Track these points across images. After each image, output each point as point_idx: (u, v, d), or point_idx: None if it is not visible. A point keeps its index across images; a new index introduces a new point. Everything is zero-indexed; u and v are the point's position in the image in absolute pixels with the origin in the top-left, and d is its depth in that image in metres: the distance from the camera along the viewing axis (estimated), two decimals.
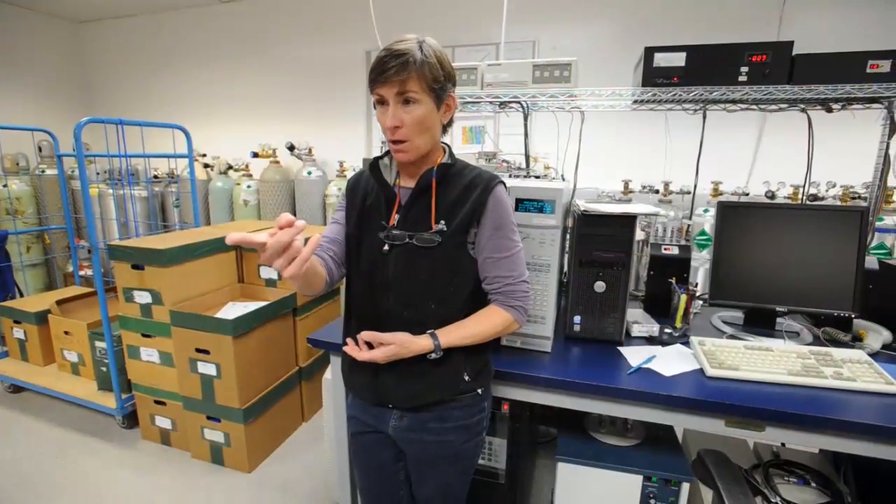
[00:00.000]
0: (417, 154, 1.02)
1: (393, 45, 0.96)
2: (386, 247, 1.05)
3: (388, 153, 1.15)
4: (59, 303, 2.75)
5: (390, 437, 1.13)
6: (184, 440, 2.31)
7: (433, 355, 1.03)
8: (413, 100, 0.96)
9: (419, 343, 1.02)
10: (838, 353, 1.29)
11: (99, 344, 2.45)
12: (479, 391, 1.12)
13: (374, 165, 1.11)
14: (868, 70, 1.41)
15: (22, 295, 3.54)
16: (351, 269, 1.13)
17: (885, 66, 1.39)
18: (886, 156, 1.70)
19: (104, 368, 2.48)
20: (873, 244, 2.38)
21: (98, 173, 4.09)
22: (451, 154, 1.10)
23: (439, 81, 0.98)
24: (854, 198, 2.64)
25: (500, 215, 1.05)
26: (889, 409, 1.08)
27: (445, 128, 1.09)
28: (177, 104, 4.76)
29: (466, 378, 1.08)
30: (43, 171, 3.96)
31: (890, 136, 1.67)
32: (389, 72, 0.93)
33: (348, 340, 1.09)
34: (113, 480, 2.13)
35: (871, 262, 1.53)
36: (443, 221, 1.03)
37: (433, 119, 1.01)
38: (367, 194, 1.12)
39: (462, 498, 1.20)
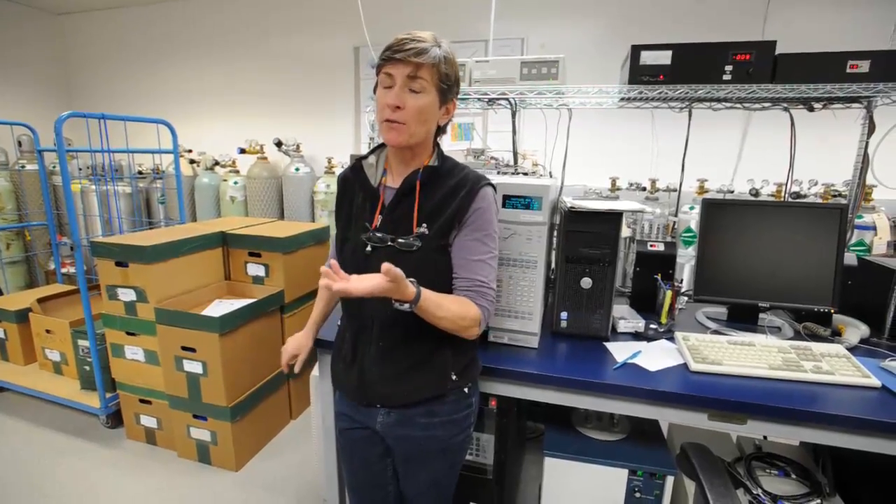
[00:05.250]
0: (409, 139, 1.01)
1: (412, 32, 0.97)
2: (368, 248, 1.05)
3: (372, 152, 1.14)
4: (40, 301, 2.69)
5: (378, 433, 1.13)
6: (170, 439, 2.29)
7: (405, 306, 0.93)
8: (421, 87, 0.97)
9: (406, 285, 0.91)
10: (818, 347, 1.32)
11: (82, 342, 2.41)
12: (466, 389, 1.12)
13: (357, 167, 1.10)
14: (848, 70, 1.44)
15: (2, 293, 3.47)
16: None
17: (864, 66, 1.42)
18: (865, 154, 1.73)
19: (87, 367, 2.44)
20: (853, 241, 2.43)
21: (80, 169, 4.02)
22: (441, 155, 1.09)
23: (448, 81, 1.01)
24: (835, 195, 2.69)
25: (480, 217, 1.04)
26: (865, 401, 1.11)
27: (440, 130, 1.09)
28: (161, 99, 4.68)
29: (454, 377, 1.09)
30: (23, 167, 3.87)
31: (869, 135, 1.71)
32: (408, 52, 0.94)
33: (323, 269, 0.92)
34: (97, 481, 2.10)
35: (851, 258, 1.57)
36: (425, 224, 1.03)
37: (433, 113, 1.02)
38: (356, 192, 1.12)
39: (450, 493, 1.21)
